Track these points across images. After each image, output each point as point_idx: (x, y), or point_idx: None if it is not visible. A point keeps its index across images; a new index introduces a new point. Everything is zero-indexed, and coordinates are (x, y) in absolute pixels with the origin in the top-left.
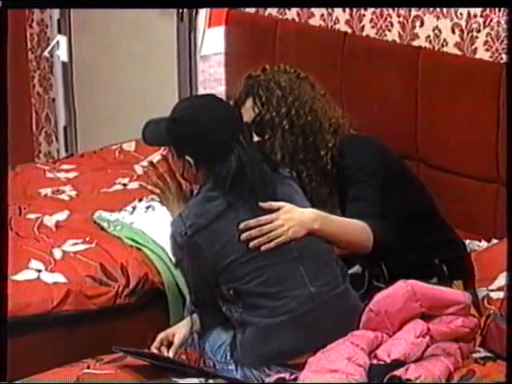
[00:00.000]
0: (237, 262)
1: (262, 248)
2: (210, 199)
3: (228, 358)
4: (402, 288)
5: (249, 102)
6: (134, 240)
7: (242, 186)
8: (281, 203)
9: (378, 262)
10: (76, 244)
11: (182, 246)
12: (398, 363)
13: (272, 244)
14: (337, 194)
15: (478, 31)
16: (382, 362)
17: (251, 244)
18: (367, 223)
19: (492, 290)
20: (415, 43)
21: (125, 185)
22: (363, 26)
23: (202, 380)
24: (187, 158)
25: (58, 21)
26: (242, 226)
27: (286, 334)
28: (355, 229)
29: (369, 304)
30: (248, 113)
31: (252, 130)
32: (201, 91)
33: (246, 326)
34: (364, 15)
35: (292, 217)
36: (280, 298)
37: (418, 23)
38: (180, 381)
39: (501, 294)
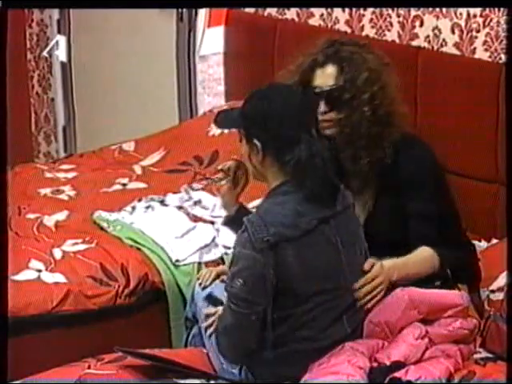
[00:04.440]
0: (301, 288)
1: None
2: (300, 214)
3: None
4: (399, 297)
5: (330, 68)
6: (133, 240)
7: (312, 179)
8: (370, 260)
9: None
10: (76, 244)
11: (259, 250)
12: (398, 365)
13: (373, 302)
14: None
15: (478, 31)
16: (382, 365)
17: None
18: (435, 251)
19: (492, 291)
20: (415, 43)
21: (124, 185)
22: (363, 26)
23: (204, 381)
24: (255, 141)
25: (58, 21)
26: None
27: (309, 360)
28: (425, 265)
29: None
30: (325, 79)
31: (323, 97)
32: (200, 91)
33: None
34: (363, 15)
35: (383, 272)
36: (316, 340)
37: (417, 23)
38: (181, 381)
39: (500, 296)
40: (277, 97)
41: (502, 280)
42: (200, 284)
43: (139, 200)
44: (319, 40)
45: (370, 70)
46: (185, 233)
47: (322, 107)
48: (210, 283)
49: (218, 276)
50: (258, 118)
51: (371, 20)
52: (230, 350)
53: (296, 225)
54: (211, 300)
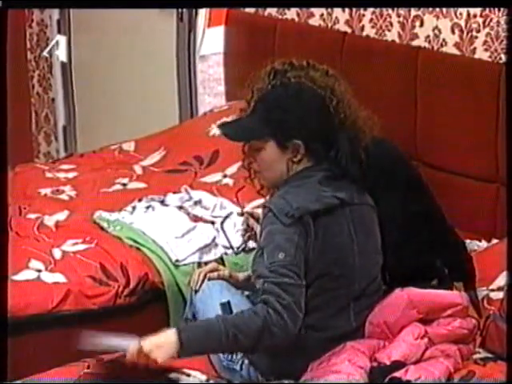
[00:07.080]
0: (312, 267)
1: None
2: (322, 192)
3: (234, 356)
4: (398, 297)
5: None
6: (133, 240)
7: (353, 166)
8: None
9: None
10: (76, 244)
11: (287, 225)
12: (398, 364)
13: None
14: None
15: (478, 31)
16: (382, 365)
17: None
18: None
19: (492, 290)
20: (415, 43)
21: (124, 185)
22: (363, 26)
23: (203, 381)
24: (295, 141)
25: (58, 21)
26: None
27: (310, 354)
28: None
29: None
30: None
31: None
32: (200, 91)
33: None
34: (364, 15)
35: None
36: (318, 330)
37: (417, 23)
38: (181, 381)
39: (500, 295)
40: (302, 93)
41: (501, 280)
42: (192, 289)
43: (139, 200)
44: (261, 72)
45: (321, 87)
46: (185, 233)
47: None
48: (201, 285)
49: (205, 276)
50: (293, 118)
51: (371, 20)
52: (291, 326)
53: (318, 199)
54: (227, 309)
